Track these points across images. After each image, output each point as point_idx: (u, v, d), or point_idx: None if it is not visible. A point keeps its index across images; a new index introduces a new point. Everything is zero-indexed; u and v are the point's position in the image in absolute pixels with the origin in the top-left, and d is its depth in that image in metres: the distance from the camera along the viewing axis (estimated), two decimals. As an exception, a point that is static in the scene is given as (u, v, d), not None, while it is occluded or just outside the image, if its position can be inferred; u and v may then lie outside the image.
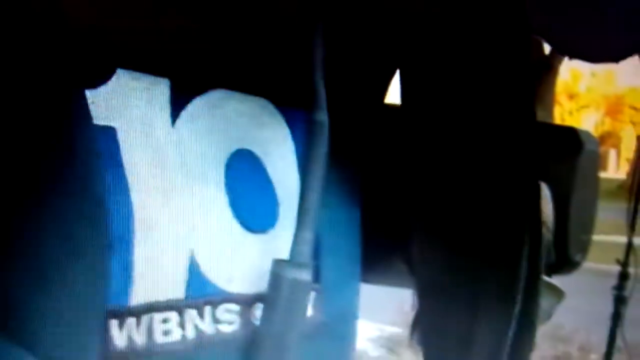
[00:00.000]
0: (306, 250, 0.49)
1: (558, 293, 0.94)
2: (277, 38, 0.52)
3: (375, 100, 0.67)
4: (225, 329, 0.49)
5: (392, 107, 0.68)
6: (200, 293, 0.47)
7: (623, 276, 5.81)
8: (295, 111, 0.55)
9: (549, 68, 14.73)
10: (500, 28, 0.62)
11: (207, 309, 0.48)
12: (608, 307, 6.47)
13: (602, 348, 5.81)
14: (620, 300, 5.67)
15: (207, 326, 0.48)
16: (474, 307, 0.65)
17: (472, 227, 0.66)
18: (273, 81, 0.53)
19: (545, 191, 0.78)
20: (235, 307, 0.49)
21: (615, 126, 25.69)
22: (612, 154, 26.21)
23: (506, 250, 0.68)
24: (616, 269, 7.29)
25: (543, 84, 14.80)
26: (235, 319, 0.49)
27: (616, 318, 5.69)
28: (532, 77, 0.71)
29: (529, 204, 0.70)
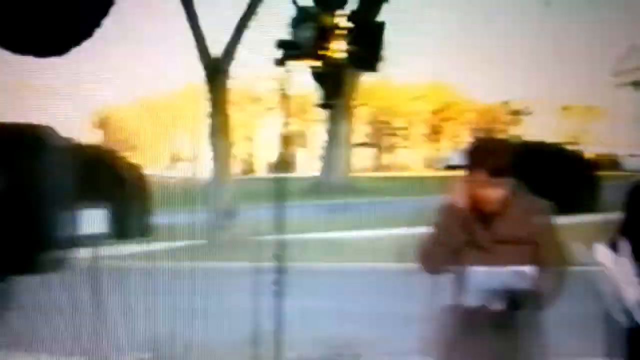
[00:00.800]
0: None
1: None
2: None
3: None
4: None
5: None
6: None
7: (279, 271, 6.60)
8: None
9: (219, 71, 15.64)
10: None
11: None
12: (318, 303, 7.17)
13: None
14: (278, 295, 6.44)
15: None
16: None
17: None
18: None
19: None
20: None
21: (303, 126, 27.79)
22: (302, 153, 28.25)
23: None
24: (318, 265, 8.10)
25: (215, 89, 15.68)
26: None
27: (278, 312, 6.46)
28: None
29: None
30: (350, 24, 5.82)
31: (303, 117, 25.79)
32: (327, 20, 5.79)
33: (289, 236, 9.68)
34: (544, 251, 3.49)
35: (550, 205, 3.57)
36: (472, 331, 3.50)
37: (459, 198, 3.44)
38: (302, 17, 5.90)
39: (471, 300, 3.44)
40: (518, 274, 3.36)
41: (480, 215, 3.48)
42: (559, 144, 25.64)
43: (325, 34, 5.77)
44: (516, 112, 35.22)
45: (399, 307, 7.53)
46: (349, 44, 5.78)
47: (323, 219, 16.30)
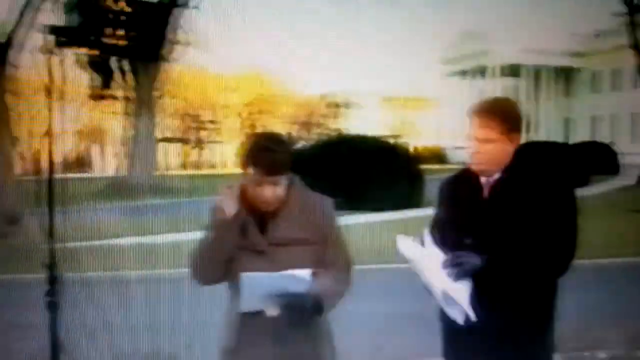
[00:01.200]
0: None
1: None
2: None
3: None
4: None
5: None
6: None
7: (52, 280, 6.31)
8: None
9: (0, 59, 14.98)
10: None
11: None
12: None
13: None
14: (53, 306, 6.19)
15: None
16: None
17: None
18: None
19: None
20: None
21: (100, 119, 27.11)
22: (96, 150, 27.45)
23: None
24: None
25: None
26: None
27: (53, 324, 6.20)
28: None
29: None
30: (130, 9, 5.67)
31: (102, 109, 25.11)
32: (105, 5, 5.61)
33: (78, 243, 9.32)
34: (325, 251, 3.50)
35: (333, 202, 3.59)
36: (251, 338, 3.48)
37: (230, 199, 3.38)
38: (77, 2, 5.70)
39: (247, 306, 3.41)
40: (295, 277, 3.35)
41: (256, 216, 3.44)
42: (381, 137, 26.28)
43: (103, 19, 5.60)
44: (337, 105, 35.86)
45: (198, 316, 7.45)
46: (128, 30, 5.63)
47: (122, 222, 15.98)
